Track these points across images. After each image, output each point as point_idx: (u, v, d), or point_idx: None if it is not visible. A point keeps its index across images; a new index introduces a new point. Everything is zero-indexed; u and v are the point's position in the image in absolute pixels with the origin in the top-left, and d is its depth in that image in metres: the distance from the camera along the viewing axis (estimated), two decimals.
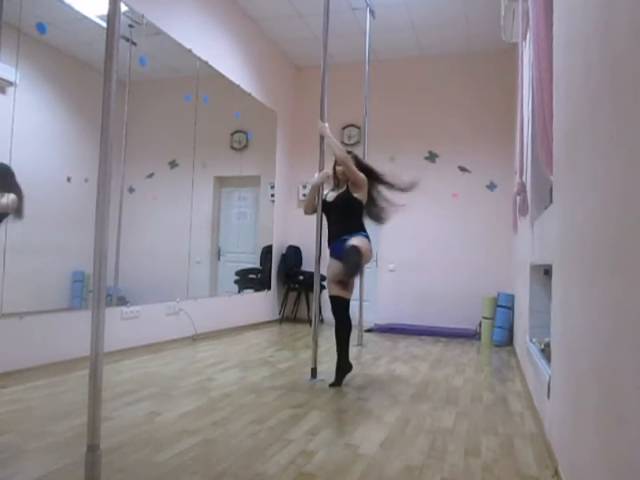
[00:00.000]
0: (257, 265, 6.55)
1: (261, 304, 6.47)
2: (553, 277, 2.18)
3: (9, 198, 3.14)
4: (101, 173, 1.70)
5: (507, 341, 5.53)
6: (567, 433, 1.77)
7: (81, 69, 3.87)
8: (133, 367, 3.67)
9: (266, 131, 6.58)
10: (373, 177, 3.64)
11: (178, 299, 4.78)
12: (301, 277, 6.74)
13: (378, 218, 3.74)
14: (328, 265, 3.53)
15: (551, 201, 2.49)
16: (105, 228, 1.70)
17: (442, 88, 6.68)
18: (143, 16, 4.25)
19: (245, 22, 5.93)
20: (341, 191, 3.58)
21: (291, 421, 2.55)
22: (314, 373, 3.51)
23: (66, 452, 2.03)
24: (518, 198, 3.69)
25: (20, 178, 3.32)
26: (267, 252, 6.67)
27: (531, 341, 3.26)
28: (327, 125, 3.67)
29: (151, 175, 4.65)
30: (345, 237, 3.43)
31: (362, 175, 3.53)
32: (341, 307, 3.43)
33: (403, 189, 3.62)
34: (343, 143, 7.01)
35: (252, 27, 6.11)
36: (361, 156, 4.03)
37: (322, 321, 6.28)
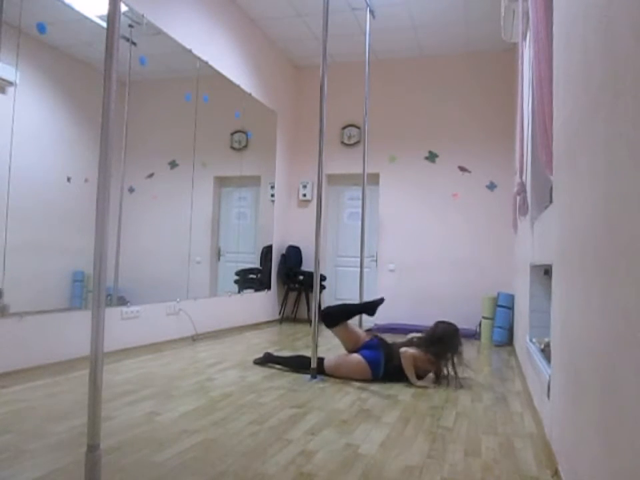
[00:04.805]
0: (257, 265, 6.54)
1: (261, 304, 6.47)
2: (553, 277, 2.18)
3: None
4: (101, 173, 1.69)
5: (507, 340, 5.53)
6: (566, 433, 1.77)
7: (81, 69, 3.87)
8: (133, 366, 3.67)
9: (266, 131, 6.58)
10: None
11: (178, 299, 4.78)
12: (301, 277, 6.74)
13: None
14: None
15: (550, 201, 2.48)
16: (105, 228, 1.70)
17: (442, 88, 6.68)
18: (143, 16, 4.25)
19: (244, 22, 5.93)
20: None
21: (291, 421, 2.55)
22: (314, 373, 3.51)
23: (66, 452, 2.03)
24: (518, 198, 3.69)
25: (20, 178, 3.32)
26: (267, 252, 6.67)
27: (530, 341, 3.26)
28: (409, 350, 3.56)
29: (150, 175, 4.65)
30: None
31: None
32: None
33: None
34: (342, 143, 7.02)
35: (252, 26, 6.11)
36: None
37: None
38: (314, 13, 5.66)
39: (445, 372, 3.58)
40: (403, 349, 3.51)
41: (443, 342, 3.54)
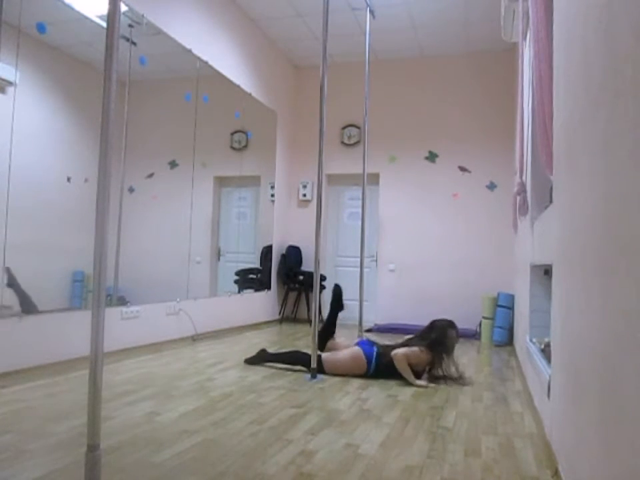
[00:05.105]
0: (257, 265, 6.54)
1: (261, 304, 6.47)
2: (553, 277, 2.18)
3: None
4: (101, 173, 1.69)
5: (507, 340, 5.53)
6: (567, 433, 1.77)
7: (81, 69, 3.87)
8: (133, 366, 3.67)
9: (266, 131, 6.58)
10: None
11: (178, 299, 4.78)
12: (301, 277, 6.74)
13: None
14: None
15: (550, 201, 2.48)
16: (105, 228, 1.70)
17: (442, 88, 6.68)
18: (143, 16, 4.25)
19: (244, 22, 5.93)
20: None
21: (291, 421, 2.55)
22: (314, 373, 3.51)
23: (66, 452, 2.03)
24: (518, 198, 3.69)
25: (20, 178, 3.32)
26: (267, 252, 6.67)
27: (530, 340, 3.26)
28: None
29: (150, 175, 4.65)
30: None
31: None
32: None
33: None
34: (342, 143, 7.02)
35: (252, 26, 6.11)
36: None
37: (322, 321, 6.26)
38: (314, 12, 5.66)
39: (440, 371, 3.59)
40: (393, 352, 3.52)
41: (433, 331, 3.59)
